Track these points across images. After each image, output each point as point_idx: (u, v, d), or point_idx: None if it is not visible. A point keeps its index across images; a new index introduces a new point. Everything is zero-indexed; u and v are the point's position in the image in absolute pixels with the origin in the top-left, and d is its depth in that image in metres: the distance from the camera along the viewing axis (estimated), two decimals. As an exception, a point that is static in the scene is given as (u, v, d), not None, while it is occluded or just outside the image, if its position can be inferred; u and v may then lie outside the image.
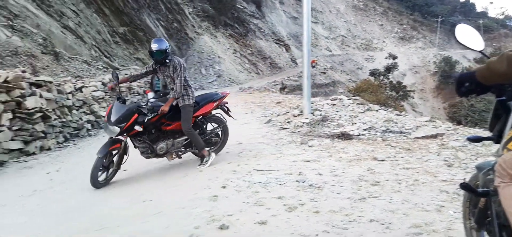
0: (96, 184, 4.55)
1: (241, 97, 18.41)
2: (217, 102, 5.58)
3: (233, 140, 7.35)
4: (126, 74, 16.09)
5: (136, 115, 4.64)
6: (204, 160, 5.10)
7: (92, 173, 4.47)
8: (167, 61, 4.90)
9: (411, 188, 3.95)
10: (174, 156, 5.18)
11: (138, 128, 4.69)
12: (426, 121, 8.02)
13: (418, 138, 6.51)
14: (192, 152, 5.41)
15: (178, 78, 4.85)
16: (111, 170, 4.83)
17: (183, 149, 5.30)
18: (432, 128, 7.10)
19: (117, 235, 3.17)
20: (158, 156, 5.01)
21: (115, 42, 23.74)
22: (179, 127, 4.96)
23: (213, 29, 37.63)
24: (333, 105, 9.90)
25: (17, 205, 4.19)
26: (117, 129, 4.58)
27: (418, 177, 4.35)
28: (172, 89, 5.02)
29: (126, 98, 5.18)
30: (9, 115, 6.59)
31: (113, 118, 4.56)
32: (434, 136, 6.52)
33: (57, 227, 3.41)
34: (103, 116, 5.10)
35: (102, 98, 11.11)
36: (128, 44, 24.53)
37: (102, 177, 4.71)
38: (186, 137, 5.11)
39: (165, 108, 4.73)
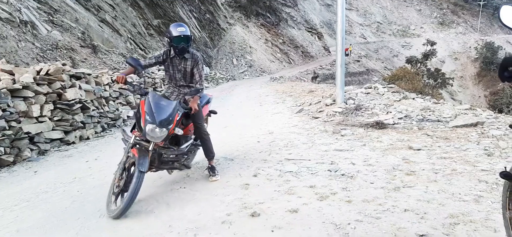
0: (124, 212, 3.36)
1: (272, 87, 18.39)
2: (210, 105, 4.83)
3: (264, 130, 7.37)
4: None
5: (177, 114, 3.72)
6: (216, 171, 4.38)
7: (134, 195, 3.32)
8: (188, 52, 4.13)
9: (448, 178, 3.82)
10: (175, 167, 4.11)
11: (179, 131, 3.73)
12: (466, 109, 7.68)
13: (456, 127, 6.26)
14: (181, 165, 4.19)
15: (199, 74, 4.22)
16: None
17: (186, 156, 4.18)
18: (472, 116, 6.79)
19: (153, 219, 3.28)
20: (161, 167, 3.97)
21: (149, 34, 24.34)
22: (187, 131, 4.18)
23: (245, 19, 37.71)
24: (367, 93, 9.70)
25: (58, 191, 4.41)
26: (165, 132, 3.54)
27: (456, 166, 4.19)
28: (182, 85, 4.25)
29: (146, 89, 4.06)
30: (51, 106, 6.92)
31: (160, 118, 3.50)
32: (474, 125, 6.24)
33: (98, 211, 3.56)
34: (131, 116, 3.07)
35: (138, 89, 11.40)
36: (162, 36, 25.04)
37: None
38: (188, 144, 4.10)
39: (195, 106, 3.93)
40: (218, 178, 4.32)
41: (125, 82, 3.74)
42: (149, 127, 3.47)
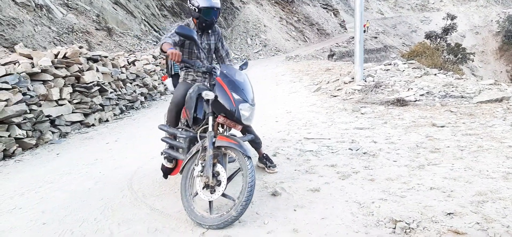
0: None
1: (288, 66, 18.20)
2: None
3: (282, 109, 7.31)
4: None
5: None
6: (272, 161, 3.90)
7: (253, 188, 2.75)
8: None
9: (474, 155, 3.70)
10: None
11: None
12: (490, 84, 7.43)
13: (481, 102, 6.07)
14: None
15: (226, 50, 3.72)
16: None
17: None
18: (497, 91, 6.57)
19: (173, 198, 3.28)
20: None
21: (163, 16, 24.25)
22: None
23: (258, -3, 37.13)
24: (387, 70, 9.47)
25: (81, 172, 4.47)
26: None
27: (482, 143, 4.06)
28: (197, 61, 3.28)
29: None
30: (69, 89, 7.00)
31: (252, 95, 3.03)
32: (499, 100, 6.04)
33: (120, 191, 3.59)
34: (212, 98, 2.90)
35: (154, 71, 11.45)
36: (176, 17, 24.96)
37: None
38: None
39: None
40: (277, 169, 3.79)
41: (182, 60, 3.00)
42: (244, 106, 2.87)
